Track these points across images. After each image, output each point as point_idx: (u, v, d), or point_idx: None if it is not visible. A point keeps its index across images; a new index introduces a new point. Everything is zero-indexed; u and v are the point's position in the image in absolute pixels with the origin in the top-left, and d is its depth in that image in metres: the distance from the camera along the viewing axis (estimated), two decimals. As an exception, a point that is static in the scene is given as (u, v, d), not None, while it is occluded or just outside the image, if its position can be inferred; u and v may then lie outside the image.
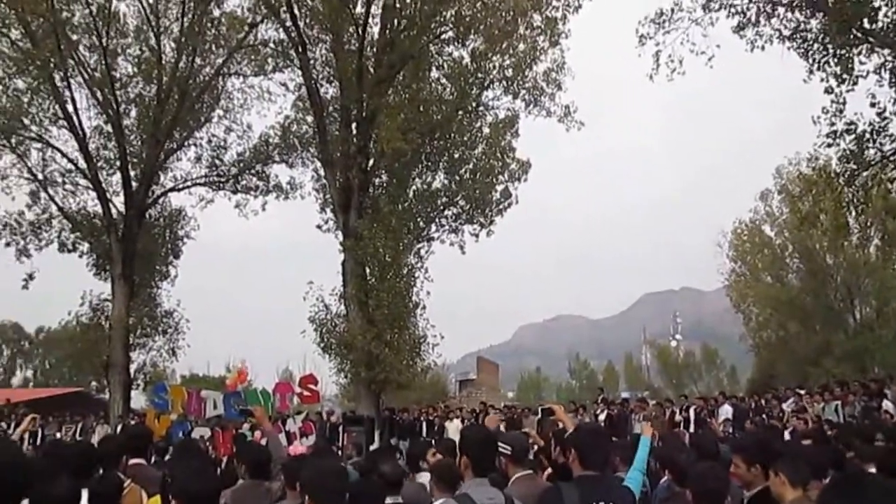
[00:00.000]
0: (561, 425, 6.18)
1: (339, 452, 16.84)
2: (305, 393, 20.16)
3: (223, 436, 19.02)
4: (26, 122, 25.78)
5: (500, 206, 28.90)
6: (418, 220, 27.68)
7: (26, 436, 20.17)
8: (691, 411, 19.91)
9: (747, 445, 5.41)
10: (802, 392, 19.85)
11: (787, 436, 13.38)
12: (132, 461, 5.91)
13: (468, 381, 41.60)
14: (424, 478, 6.27)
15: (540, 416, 17.44)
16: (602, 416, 21.22)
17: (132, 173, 26.60)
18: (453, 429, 22.11)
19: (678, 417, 19.82)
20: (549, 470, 6.35)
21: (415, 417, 24.78)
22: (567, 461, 4.44)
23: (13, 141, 26.25)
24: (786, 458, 4.72)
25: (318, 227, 28.32)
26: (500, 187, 28.72)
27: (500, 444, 4.93)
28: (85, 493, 4.16)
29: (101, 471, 5.17)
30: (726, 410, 18.82)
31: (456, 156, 27.97)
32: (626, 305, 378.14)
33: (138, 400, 28.78)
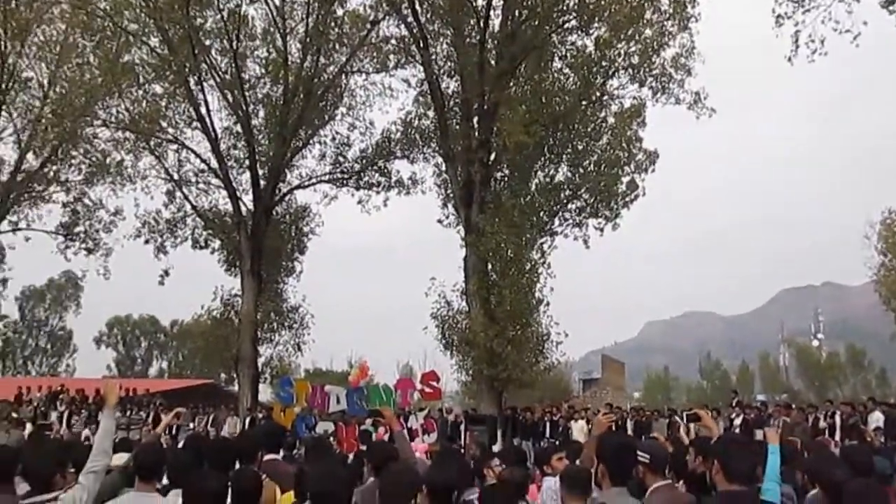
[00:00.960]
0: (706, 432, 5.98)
1: (462, 451, 16.57)
2: (427, 389, 19.29)
3: (347, 431, 19.15)
4: (164, 124, 26.98)
5: (627, 199, 28.27)
6: (541, 214, 27.31)
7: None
8: (836, 418, 18.43)
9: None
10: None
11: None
12: (267, 457, 6.04)
13: (592, 380, 40.82)
14: (549, 482, 6.04)
15: (685, 420, 16.70)
16: (737, 421, 20.02)
17: (260, 172, 27.39)
18: (578, 430, 21.78)
19: (822, 424, 18.41)
20: (680, 481, 5.89)
21: (538, 417, 24.11)
22: (709, 472, 4.23)
23: (152, 143, 27.67)
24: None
25: (440, 222, 28.56)
26: (626, 179, 28.12)
27: (638, 452, 4.69)
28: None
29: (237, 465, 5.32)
30: (877, 418, 17.32)
31: (580, 147, 27.52)
32: (762, 301, 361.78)
33: (265, 393, 29.55)
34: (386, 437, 15.77)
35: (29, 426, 21.98)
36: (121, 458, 5.24)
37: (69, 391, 28.19)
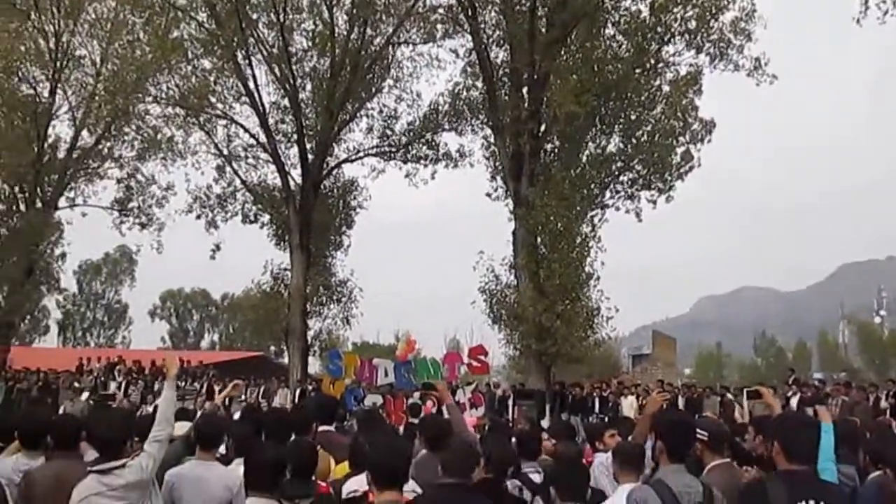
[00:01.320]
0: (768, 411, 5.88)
1: (511, 426, 16.48)
2: (475, 364, 19.19)
3: (395, 403, 19.20)
4: (213, 100, 27.20)
5: (681, 170, 27.44)
6: (592, 186, 26.60)
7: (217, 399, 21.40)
8: (900, 397, 17.78)
9: None
10: None
11: None
12: (321, 428, 6.38)
13: (642, 355, 40.48)
14: (601, 458, 6.02)
15: (746, 397, 16.24)
16: (794, 400, 19.43)
17: (308, 146, 27.47)
18: (627, 406, 21.71)
19: (883, 404, 17.78)
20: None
21: (587, 393, 23.92)
22: (768, 451, 4.09)
23: (201, 119, 28.01)
24: None
25: (488, 195, 28.20)
26: (680, 149, 27.20)
27: (697, 429, 4.72)
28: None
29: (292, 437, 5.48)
30: (941, 396, 16.62)
31: (633, 117, 26.74)
32: (821, 277, 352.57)
33: (313, 365, 30.17)
34: (434, 410, 15.83)
35: (87, 395, 22.64)
36: (182, 427, 5.43)
37: (126, 362, 29.02)
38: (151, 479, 4.45)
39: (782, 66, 26.66)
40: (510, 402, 21.69)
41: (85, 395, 22.42)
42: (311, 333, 27.82)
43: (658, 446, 4.32)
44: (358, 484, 4.48)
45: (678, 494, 3.95)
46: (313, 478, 4.65)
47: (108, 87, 26.95)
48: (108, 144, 30.48)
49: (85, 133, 30.02)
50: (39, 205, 29.30)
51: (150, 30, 26.40)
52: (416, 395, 19.49)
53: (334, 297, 28.27)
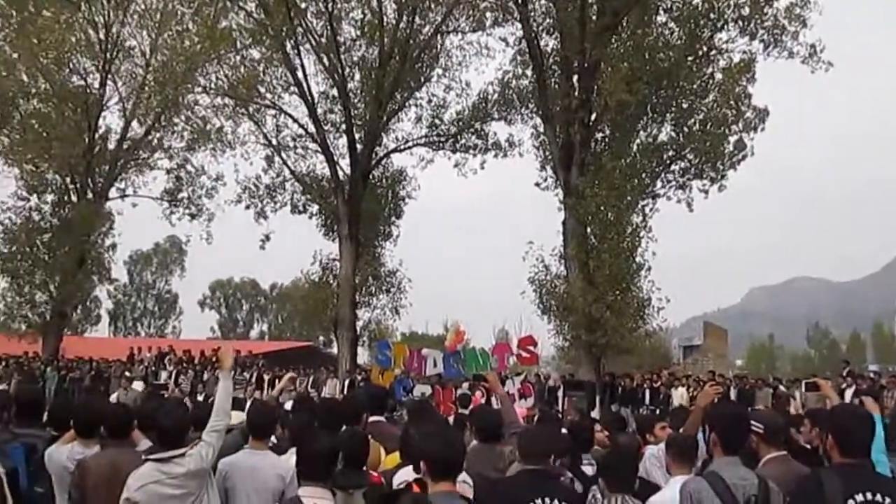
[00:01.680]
0: (828, 403, 5.78)
1: (561, 417, 16.72)
2: (524, 354, 19.43)
3: (444, 394, 19.52)
4: (261, 90, 27.61)
5: (734, 159, 27.28)
6: (643, 175, 26.67)
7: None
8: (957, 390, 17.74)
9: None
10: None
11: None
12: (372, 418, 6.28)
13: (693, 346, 40.31)
14: (652, 450, 6.02)
15: (804, 389, 16.37)
16: (849, 392, 19.45)
17: (357, 136, 27.81)
18: (678, 397, 21.75)
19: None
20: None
21: (637, 384, 24.21)
22: (823, 444, 4.04)
23: (250, 109, 28.40)
24: None
25: (537, 185, 28.35)
26: (733, 138, 27.06)
27: (752, 421, 4.67)
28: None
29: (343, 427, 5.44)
30: None
31: (684, 105, 26.70)
32: (877, 268, 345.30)
33: (362, 355, 30.62)
34: (482, 401, 16.11)
35: (141, 384, 23.28)
36: (237, 417, 5.46)
37: (176, 352, 29.77)
38: (209, 469, 4.58)
39: (837, 52, 26.41)
40: (560, 393, 21.88)
41: (138, 384, 23.14)
42: (360, 323, 28.23)
43: (712, 438, 4.30)
44: (408, 475, 4.41)
45: (732, 486, 3.95)
46: (365, 468, 4.66)
47: (158, 78, 27.67)
48: (158, 135, 31.18)
49: (135, 124, 30.83)
50: (90, 196, 30.17)
51: (199, 20, 27.08)
52: (465, 385, 19.90)
53: (383, 287, 28.66)
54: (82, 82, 30.15)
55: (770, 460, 4.63)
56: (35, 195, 30.11)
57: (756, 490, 3.96)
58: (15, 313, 29.80)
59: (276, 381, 25.27)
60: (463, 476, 4.35)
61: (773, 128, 27.86)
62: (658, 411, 19.80)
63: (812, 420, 5.69)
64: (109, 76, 30.26)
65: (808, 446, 5.52)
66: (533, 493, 4.07)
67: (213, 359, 27.74)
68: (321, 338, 43.60)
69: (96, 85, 30.27)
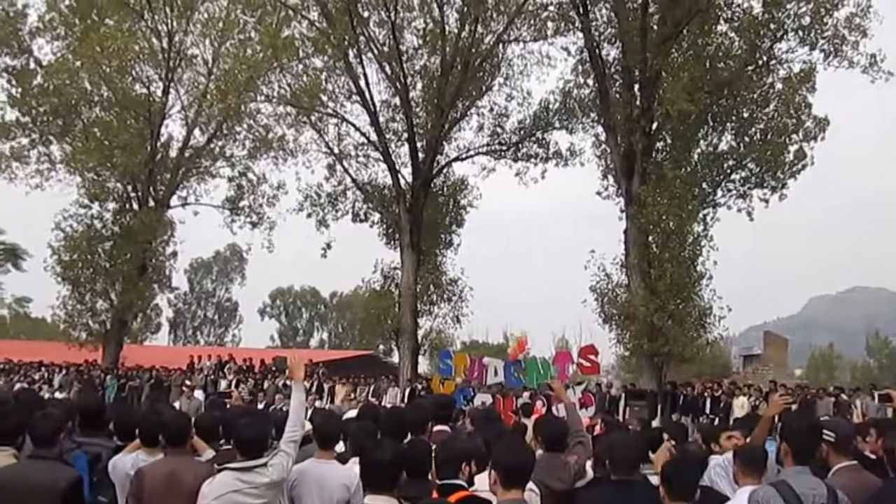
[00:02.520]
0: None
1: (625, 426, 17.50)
2: (585, 363, 20.50)
3: (504, 403, 20.57)
4: (324, 98, 28.62)
5: (794, 168, 27.90)
6: (703, 184, 27.59)
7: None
8: None
9: None
10: None
11: None
12: (437, 428, 6.38)
13: (753, 356, 40.87)
14: (717, 460, 6.05)
15: (876, 400, 17.14)
16: (910, 403, 20.23)
17: (418, 144, 28.80)
18: (739, 406, 22.13)
19: None
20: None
21: (698, 393, 24.66)
22: (888, 455, 4.53)
23: (313, 118, 29.43)
24: None
25: (598, 193, 29.23)
26: (793, 147, 27.71)
27: (824, 430, 4.77)
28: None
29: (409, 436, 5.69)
30: None
31: (745, 115, 27.45)
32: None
33: (422, 364, 31.28)
34: (543, 410, 17.11)
35: (201, 393, 24.27)
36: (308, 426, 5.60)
37: (236, 360, 30.97)
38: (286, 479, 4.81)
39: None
40: (621, 403, 22.68)
41: (198, 392, 24.16)
42: (420, 332, 28.97)
43: (783, 448, 4.39)
44: (480, 483, 4.48)
45: (801, 496, 4.04)
46: (430, 477, 4.66)
47: (220, 87, 28.60)
48: (220, 143, 32.70)
49: (197, 132, 32.37)
50: (152, 204, 31.58)
51: (261, 29, 28.10)
52: (526, 394, 20.99)
53: (444, 296, 29.41)
54: (145, 90, 31.47)
55: (841, 469, 4.73)
56: (97, 203, 31.55)
57: (825, 500, 4.07)
58: (76, 321, 31.03)
59: (336, 388, 26.79)
60: (531, 485, 4.48)
61: (833, 136, 28.43)
62: (719, 420, 20.22)
63: (878, 429, 5.70)
64: (172, 84, 31.70)
65: (873, 456, 5.49)
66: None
67: (273, 367, 28.98)
68: (381, 346, 44.32)
69: (159, 93, 31.68)
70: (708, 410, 23.21)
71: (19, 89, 31.36)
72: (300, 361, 5.33)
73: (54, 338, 34.86)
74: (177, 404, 17.07)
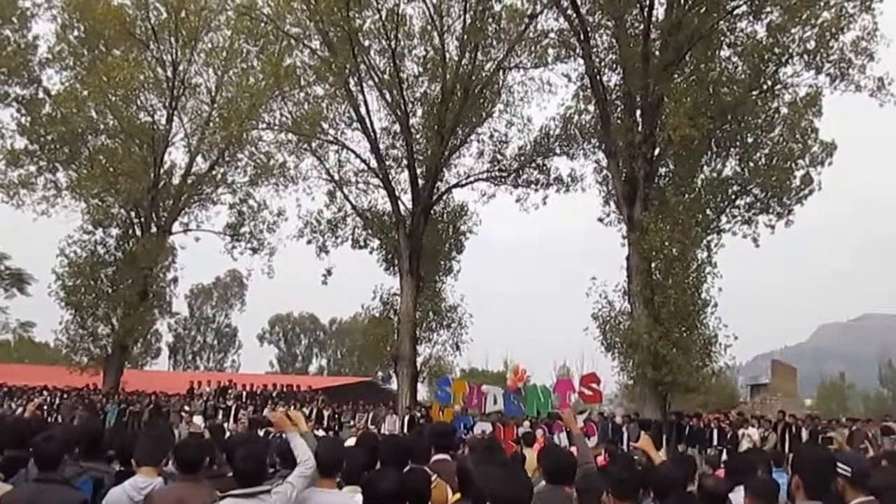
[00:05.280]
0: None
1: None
2: (587, 392, 19.34)
3: (505, 431, 19.61)
4: (325, 126, 28.34)
5: (800, 194, 27.19)
6: (707, 210, 26.85)
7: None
8: None
9: None
10: None
11: None
12: (436, 456, 6.30)
13: (760, 385, 39.70)
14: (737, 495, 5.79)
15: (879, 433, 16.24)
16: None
17: (419, 171, 28.35)
18: (748, 437, 21.38)
19: None
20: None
21: (705, 424, 23.80)
22: None
23: (313, 145, 29.19)
24: None
25: (600, 220, 28.63)
26: (799, 173, 26.98)
27: (839, 464, 4.48)
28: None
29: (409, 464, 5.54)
30: None
31: (749, 140, 26.76)
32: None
33: (421, 391, 30.75)
34: (543, 441, 16.18)
35: (200, 419, 23.70)
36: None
37: (236, 386, 30.39)
38: None
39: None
40: (625, 432, 21.85)
41: (198, 418, 23.47)
42: (420, 359, 28.40)
43: (795, 481, 4.18)
44: None
45: None
46: None
47: (223, 115, 28.61)
48: (222, 170, 32.52)
49: (199, 159, 32.27)
50: (154, 229, 31.34)
51: (263, 58, 27.97)
52: (527, 423, 20.01)
53: (444, 323, 28.85)
54: (149, 118, 31.44)
55: None
56: (100, 229, 31.42)
57: None
58: (78, 346, 30.73)
59: (339, 416, 25.99)
60: None
61: (841, 161, 27.69)
62: (727, 452, 19.69)
63: (891, 462, 5.57)
64: (175, 113, 31.64)
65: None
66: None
67: (274, 394, 28.48)
68: (380, 373, 43.93)
69: (163, 121, 31.59)
70: (715, 441, 22.29)
71: (28, 118, 31.41)
72: (281, 417, 5.29)
73: (57, 362, 35.12)
74: (176, 431, 16.59)
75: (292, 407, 25.72)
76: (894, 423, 20.88)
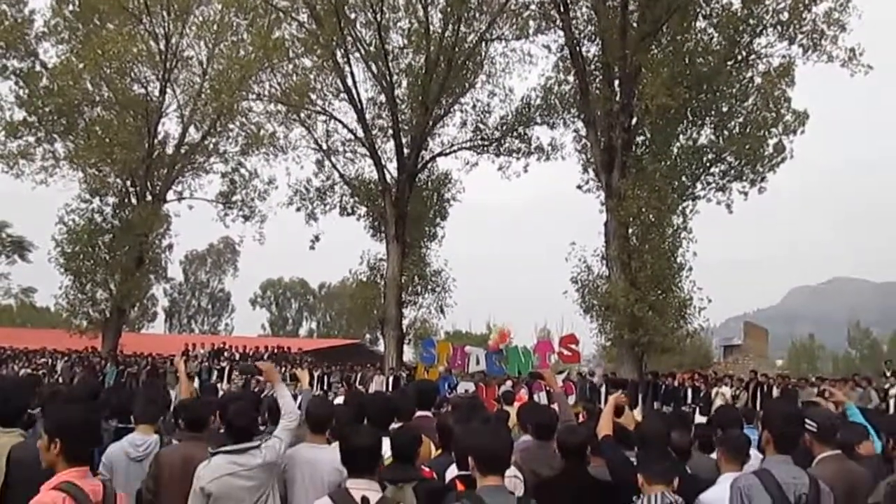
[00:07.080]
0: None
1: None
2: (566, 353, 20.00)
3: (487, 391, 19.67)
4: (313, 97, 28.29)
5: (773, 162, 27.15)
6: (683, 178, 26.88)
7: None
8: None
9: None
10: None
11: None
12: (419, 413, 6.36)
13: (733, 346, 39.94)
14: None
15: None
16: (893, 391, 19.34)
17: (404, 140, 28.38)
18: (720, 396, 21.49)
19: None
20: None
21: (679, 383, 23.94)
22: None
23: (302, 115, 29.07)
24: None
25: (579, 187, 28.53)
26: (772, 141, 26.91)
27: (806, 420, 4.58)
28: (386, 442, 4.50)
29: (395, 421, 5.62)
30: None
31: (724, 109, 26.70)
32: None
33: (407, 353, 30.82)
34: (525, 398, 16.21)
35: (196, 380, 23.67)
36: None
37: (231, 348, 30.58)
38: (279, 463, 4.77)
39: (878, 55, 25.94)
40: (602, 391, 21.79)
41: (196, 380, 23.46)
42: (405, 322, 28.57)
43: (765, 436, 4.22)
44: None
45: (783, 485, 3.87)
46: (415, 462, 4.61)
47: (214, 86, 28.45)
48: (214, 140, 32.24)
49: (192, 129, 31.96)
50: (149, 198, 31.18)
51: (253, 31, 27.80)
52: (508, 383, 20.08)
53: (429, 287, 28.96)
54: (143, 90, 31.23)
55: (824, 459, 4.57)
56: (97, 198, 31.29)
57: (807, 489, 3.89)
58: (77, 310, 30.76)
59: (327, 377, 26.02)
60: (513, 471, 4.40)
61: (813, 129, 27.64)
62: (699, 410, 19.75)
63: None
64: (168, 84, 31.29)
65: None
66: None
67: (266, 356, 28.70)
68: (367, 336, 44.05)
69: (156, 93, 31.32)
70: (689, 400, 22.40)
71: (26, 90, 31.09)
72: (271, 367, 5.62)
73: (57, 326, 34.83)
74: (172, 392, 16.65)
75: (283, 369, 25.85)
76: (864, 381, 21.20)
